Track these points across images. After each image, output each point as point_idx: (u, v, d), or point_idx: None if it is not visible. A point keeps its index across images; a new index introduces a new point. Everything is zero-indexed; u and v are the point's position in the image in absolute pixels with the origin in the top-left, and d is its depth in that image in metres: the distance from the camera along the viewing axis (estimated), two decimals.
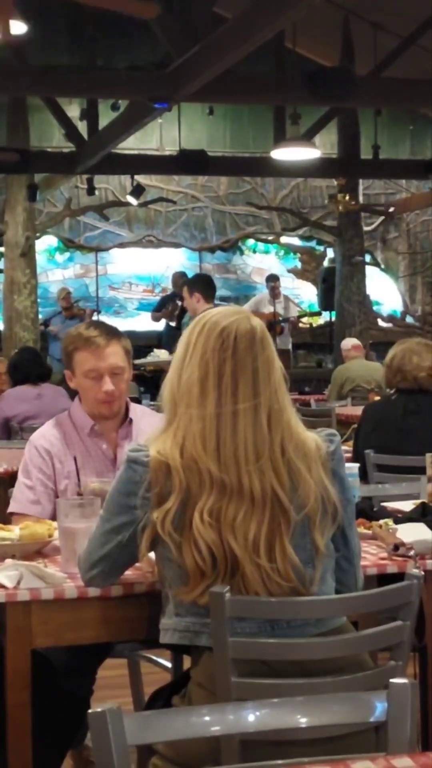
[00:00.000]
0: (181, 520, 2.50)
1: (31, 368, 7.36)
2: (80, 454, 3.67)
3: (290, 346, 15.23)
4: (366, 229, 16.62)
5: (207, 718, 1.93)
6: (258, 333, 2.60)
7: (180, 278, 15.44)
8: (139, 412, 3.81)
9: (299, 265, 18.45)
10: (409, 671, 2.75)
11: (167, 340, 13.85)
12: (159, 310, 15.22)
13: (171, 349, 12.68)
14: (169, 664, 3.65)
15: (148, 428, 3.70)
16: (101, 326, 3.76)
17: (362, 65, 11.75)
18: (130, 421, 3.76)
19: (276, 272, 16.43)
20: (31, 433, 6.41)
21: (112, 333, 3.71)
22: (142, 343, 16.01)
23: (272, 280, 15.24)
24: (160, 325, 15.52)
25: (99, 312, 16.35)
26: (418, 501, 3.74)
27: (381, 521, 3.36)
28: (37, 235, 14.98)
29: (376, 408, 5.51)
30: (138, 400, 7.91)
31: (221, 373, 2.54)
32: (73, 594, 2.77)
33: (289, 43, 11.91)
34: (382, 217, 17.94)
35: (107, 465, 3.69)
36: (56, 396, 7.36)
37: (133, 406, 3.81)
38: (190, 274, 17.25)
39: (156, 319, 15.20)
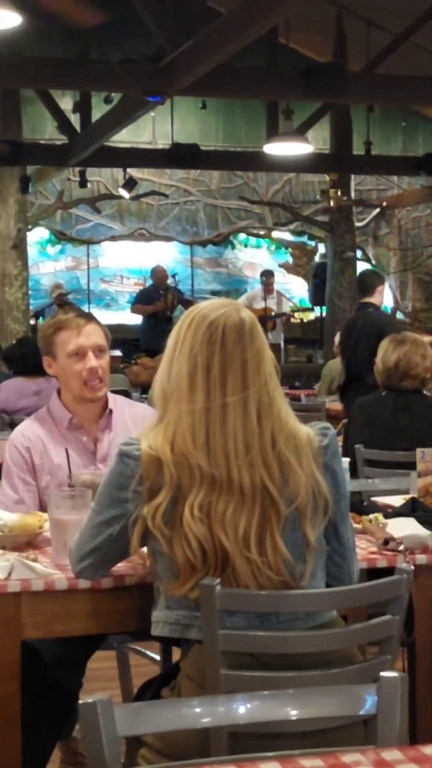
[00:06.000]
0: (172, 514, 2.50)
1: (30, 360, 7.33)
2: (60, 448, 3.66)
3: (282, 342, 15.24)
4: (357, 224, 16.61)
5: (197, 710, 1.94)
6: (247, 325, 2.59)
7: (163, 272, 15.35)
8: (119, 401, 3.80)
9: (290, 260, 18.44)
10: (398, 665, 2.76)
11: (150, 336, 13.85)
12: (144, 303, 15.10)
13: (152, 345, 12.66)
14: (158, 657, 3.66)
15: (129, 419, 3.71)
16: (77, 310, 3.79)
17: (355, 61, 11.74)
18: (110, 411, 3.75)
19: (267, 267, 16.43)
20: None
21: (89, 315, 3.79)
22: (132, 336, 16.01)
23: (266, 275, 15.23)
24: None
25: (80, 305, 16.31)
26: (408, 496, 3.75)
27: (371, 516, 3.37)
28: (29, 227, 14.96)
29: (367, 404, 5.52)
30: (128, 394, 7.90)
31: (210, 366, 2.54)
32: (64, 585, 2.77)
33: (283, 38, 11.90)
34: (373, 213, 17.94)
35: (89, 457, 3.69)
36: (53, 390, 7.34)
37: (112, 396, 3.80)
38: (181, 269, 17.31)
39: (141, 312, 15.07)
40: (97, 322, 3.73)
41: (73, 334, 3.64)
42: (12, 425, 6.92)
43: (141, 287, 16.94)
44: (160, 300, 14.77)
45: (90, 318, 3.73)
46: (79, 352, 3.63)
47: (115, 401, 3.79)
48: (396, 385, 5.20)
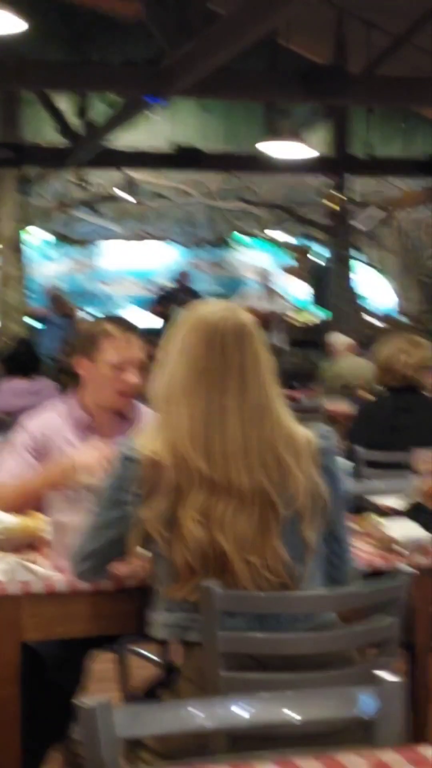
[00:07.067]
0: (171, 517, 2.50)
1: (26, 360, 7.37)
2: (72, 447, 3.65)
3: (283, 343, 15.24)
4: (357, 226, 16.61)
5: (196, 712, 1.94)
6: (246, 327, 2.60)
7: (187, 276, 15.51)
8: (137, 406, 3.77)
9: (290, 262, 18.44)
10: (397, 667, 2.76)
11: None
12: (158, 304, 15.23)
13: None
14: (157, 658, 3.66)
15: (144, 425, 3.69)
16: (127, 320, 3.76)
17: (355, 63, 11.72)
18: (132, 420, 3.73)
19: (266, 268, 16.44)
20: None
21: (136, 329, 3.71)
22: None
23: (264, 276, 15.25)
24: (153, 321, 15.50)
25: (80, 309, 16.33)
26: (410, 498, 3.75)
27: (371, 517, 3.37)
28: (29, 229, 14.96)
29: (369, 405, 5.52)
30: None
31: (209, 369, 2.54)
32: (64, 588, 2.78)
33: (283, 40, 11.90)
34: (373, 215, 17.93)
35: None
36: (52, 391, 7.37)
37: (137, 404, 3.76)
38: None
39: (155, 312, 15.20)
40: (142, 337, 3.71)
41: (121, 346, 3.59)
42: (8, 426, 6.93)
43: (141, 289, 16.97)
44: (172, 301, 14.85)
45: (137, 332, 3.69)
46: (123, 365, 3.61)
47: (139, 409, 3.76)
48: (388, 383, 5.20)
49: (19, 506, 3.29)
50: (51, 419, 3.71)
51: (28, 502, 3.32)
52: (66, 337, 14.11)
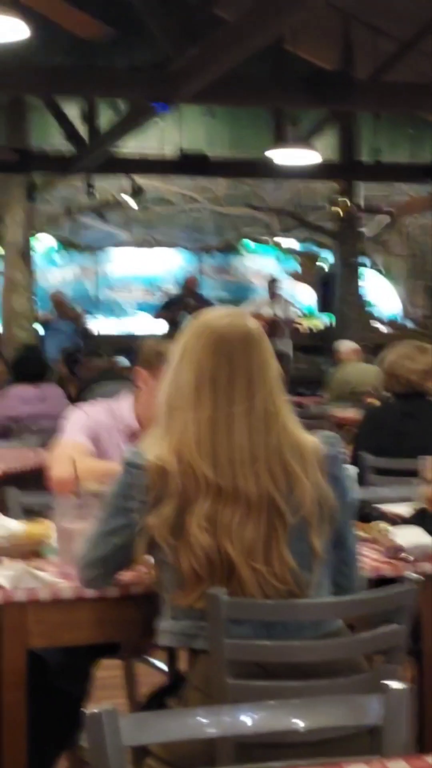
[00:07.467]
0: (178, 524, 2.50)
1: (32, 367, 7.38)
2: (115, 450, 3.68)
3: (290, 350, 15.24)
4: (364, 232, 16.61)
5: (202, 720, 1.93)
6: (253, 334, 2.59)
7: (193, 281, 15.55)
8: None
9: (297, 267, 18.44)
10: (405, 675, 2.75)
11: None
12: (165, 309, 15.24)
13: None
14: (164, 666, 3.65)
15: None
16: None
17: (362, 69, 11.74)
18: None
19: (273, 274, 16.44)
20: (32, 434, 6.39)
21: None
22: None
23: (272, 281, 15.26)
24: (160, 328, 15.53)
25: (89, 313, 16.37)
26: (416, 505, 3.74)
27: (378, 524, 3.36)
28: (36, 235, 14.98)
29: (375, 411, 5.52)
30: None
31: (216, 376, 2.54)
32: (70, 594, 2.77)
33: (289, 46, 11.91)
34: (381, 221, 17.94)
35: None
36: (60, 398, 7.39)
37: None
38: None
39: (162, 317, 15.21)
40: None
41: None
42: (15, 432, 6.94)
43: (148, 295, 17.00)
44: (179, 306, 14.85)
45: None
46: None
47: None
48: (393, 389, 5.19)
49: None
50: (105, 417, 3.76)
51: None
52: (69, 343, 14.15)
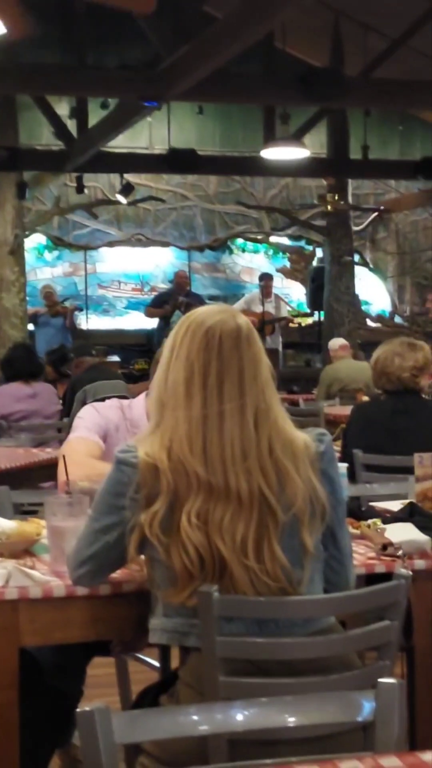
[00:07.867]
0: (169, 522, 2.49)
1: (24, 365, 7.39)
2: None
3: (280, 346, 15.25)
4: (355, 229, 16.62)
5: (195, 718, 1.94)
6: (243, 331, 2.59)
7: (183, 277, 15.56)
8: None
9: (288, 264, 18.44)
10: (397, 671, 2.76)
11: (161, 338, 13.86)
12: (156, 306, 15.21)
13: None
14: (156, 663, 3.65)
15: None
16: None
17: (352, 66, 11.74)
18: None
19: (264, 271, 16.44)
20: (23, 432, 6.38)
21: None
22: (131, 342, 16.05)
23: (264, 278, 15.27)
24: (150, 324, 15.52)
25: (82, 310, 16.36)
26: (406, 501, 3.75)
27: (369, 521, 3.36)
28: (26, 233, 14.96)
29: (366, 408, 5.51)
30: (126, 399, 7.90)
31: (206, 373, 2.53)
32: (62, 593, 2.77)
33: (280, 43, 11.91)
34: (371, 217, 17.95)
35: None
36: (51, 395, 7.39)
37: None
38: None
39: (152, 315, 15.20)
40: None
41: None
42: (11, 430, 6.94)
43: (139, 293, 16.99)
44: (170, 303, 14.83)
45: None
46: None
47: None
48: (384, 386, 5.19)
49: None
50: (115, 416, 3.76)
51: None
52: (58, 339, 14.14)
